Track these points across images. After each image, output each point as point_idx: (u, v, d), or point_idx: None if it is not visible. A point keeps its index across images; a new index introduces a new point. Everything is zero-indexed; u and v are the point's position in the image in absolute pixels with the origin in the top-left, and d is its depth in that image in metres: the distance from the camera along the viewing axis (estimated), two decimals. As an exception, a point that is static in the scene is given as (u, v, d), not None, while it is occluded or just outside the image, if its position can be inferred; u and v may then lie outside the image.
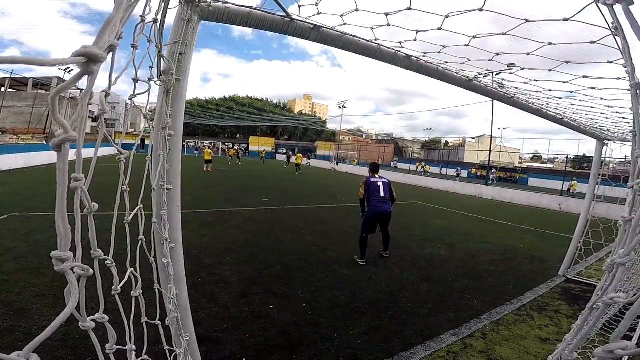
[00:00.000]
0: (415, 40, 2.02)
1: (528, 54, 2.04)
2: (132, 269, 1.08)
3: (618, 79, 2.16)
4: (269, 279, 4.15)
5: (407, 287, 4.22)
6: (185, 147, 40.00)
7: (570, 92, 2.78)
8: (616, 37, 1.21)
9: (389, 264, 5.10)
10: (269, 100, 64.37)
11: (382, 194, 5.13)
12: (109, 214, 0.93)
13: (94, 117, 27.25)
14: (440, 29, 1.82)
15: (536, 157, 56.97)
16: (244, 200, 10.06)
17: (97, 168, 0.65)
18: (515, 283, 4.67)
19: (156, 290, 1.46)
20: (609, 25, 1.32)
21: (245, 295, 3.63)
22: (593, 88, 2.50)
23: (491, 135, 29.87)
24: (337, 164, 34.99)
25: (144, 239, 1.24)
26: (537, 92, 2.97)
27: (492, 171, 33.69)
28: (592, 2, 1.28)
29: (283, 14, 1.73)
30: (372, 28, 1.93)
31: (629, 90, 1.15)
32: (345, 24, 1.88)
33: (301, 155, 27.87)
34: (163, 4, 1.31)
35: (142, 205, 1.17)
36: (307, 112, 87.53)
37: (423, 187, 21.63)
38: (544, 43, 1.87)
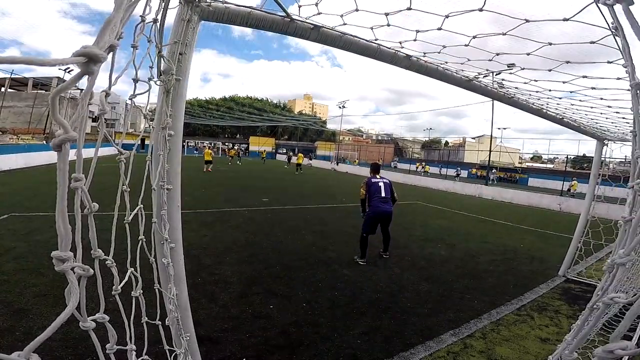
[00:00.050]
0: (415, 40, 2.02)
1: (528, 54, 2.04)
2: (133, 269, 1.08)
3: (618, 79, 2.16)
4: (269, 279, 4.15)
5: (407, 287, 4.22)
6: (185, 147, 39.99)
7: (570, 92, 2.79)
8: (616, 37, 1.21)
9: (389, 264, 5.10)
10: (269, 100, 64.38)
11: (383, 194, 5.15)
12: (109, 214, 0.93)
13: (94, 117, 27.24)
14: (440, 29, 1.82)
15: (536, 157, 56.99)
16: (244, 200, 10.06)
17: (97, 168, 0.65)
18: (515, 283, 4.67)
19: (156, 290, 1.46)
20: (609, 25, 1.32)
21: (245, 295, 3.63)
22: (593, 88, 2.50)
23: (491, 135, 29.88)
24: (337, 164, 34.98)
25: (144, 239, 1.24)
26: (537, 92, 2.97)
27: (493, 171, 33.69)
28: (592, 2, 1.28)
29: (283, 14, 1.73)
30: (372, 28, 1.93)
31: (629, 90, 1.15)
32: (345, 24, 1.88)
33: (302, 155, 27.68)
34: (163, 4, 1.31)
35: (142, 205, 1.17)
36: (307, 112, 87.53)
37: (423, 187, 21.63)
38: (544, 43, 1.87)
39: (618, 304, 0.81)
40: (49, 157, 16.87)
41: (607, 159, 5.62)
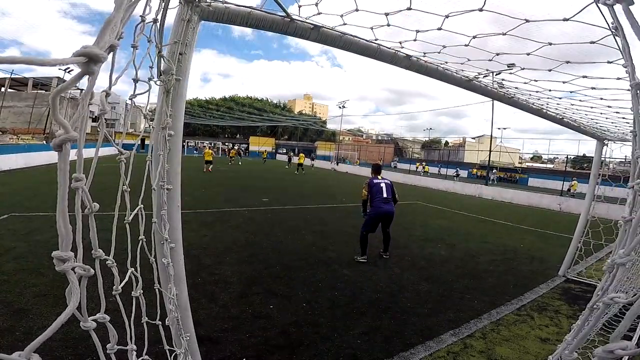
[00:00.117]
0: (415, 40, 2.02)
1: (528, 54, 2.04)
2: (133, 269, 1.08)
3: (618, 79, 2.16)
4: (269, 279, 4.15)
5: (407, 287, 4.22)
6: (185, 147, 39.98)
7: (570, 92, 2.79)
8: (616, 37, 1.21)
9: (389, 264, 5.10)
10: (269, 100, 64.39)
11: (385, 194, 5.20)
12: (109, 214, 0.93)
13: (94, 117, 27.24)
14: (440, 29, 1.82)
15: (536, 157, 57.00)
16: (244, 200, 10.06)
17: (97, 168, 0.66)
18: (515, 283, 4.67)
19: (156, 290, 1.46)
20: (609, 25, 1.32)
21: (245, 295, 3.63)
22: (593, 88, 2.50)
23: (491, 135, 29.88)
24: (337, 164, 34.98)
25: (144, 239, 1.24)
26: (537, 92, 2.97)
27: (493, 171, 33.69)
28: (592, 2, 1.28)
29: (283, 14, 1.73)
30: (372, 28, 1.93)
31: (629, 90, 1.15)
32: (345, 24, 1.88)
33: (303, 155, 27.20)
34: (163, 4, 1.31)
35: (142, 205, 1.17)
36: (307, 112, 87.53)
37: (423, 187, 21.63)
38: (544, 43, 1.87)
39: (618, 304, 0.81)
40: (49, 157, 16.87)
41: (607, 159, 5.62)
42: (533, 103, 3.58)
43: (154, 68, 1.34)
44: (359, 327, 3.15)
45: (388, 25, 1.85)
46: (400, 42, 2.11)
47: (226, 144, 50.13)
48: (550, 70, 2.25)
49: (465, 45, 2.02)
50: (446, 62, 2.46)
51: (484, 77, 2.75)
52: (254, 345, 2.72)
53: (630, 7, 0.86)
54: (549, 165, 50.36)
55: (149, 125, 1.53)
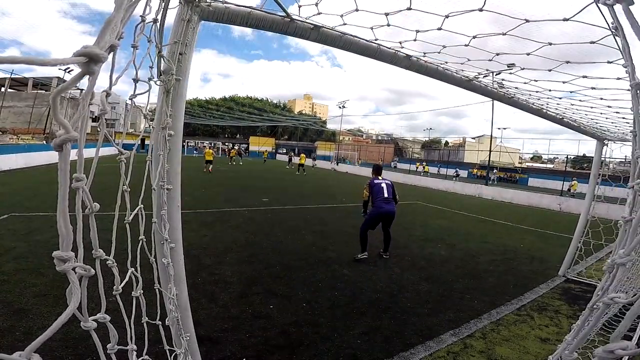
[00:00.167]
0: (415, 40, 2.02)
1: (528, 54, 2.04)
2: (133, 269, 1.09)
3: (618, 79, 2.16)
4: (269, 279, 4.15)
5: (407, 287, 4.22)
6: (185, 147, 39.96)
7: (570, 92, 2.79)
8: (616, 37, 1.21)
9: (389, 264, 5.10)
10: (269, 100, 64.39)
11: (386, 194, 5.25)
12: (109, 214, 0.93)
13: (94, 117, 27.24)
14: (440, 29, 1.82)
15: (536, 157, 57.00)
16: (244, 200, 10.06)
17: (98, 168, 0.66)
18: (515, 283, 4.67)
19: (156, 290, 1.46)
20: (609, 25, 1.32)
21: (245, 295, 3.63)
22: (593, 88, 2.50)
23: (491, 135, 29.87)
24: (337, 164, 34.96)
25: (144, 239, 1.24)
26: (537, 92, 2.97)
27: (494, 171, 33.69)
28: (592, 2, 1.28)
29: (283, 14, 1.73)
30: (372, 28, 1.93)
31: (629, 90, 1.15)
32: (345, 24, 1.88)
33: (304, 156, 26.70)
34: (163, 4, 1.31)
35: (142, 205, 1.17)
36: (307, 112, 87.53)
37: (423, 187, 21.63)
38: (544, 43, 1.87)
39: (618, 304, 0.81)
40: (49, 157, 16.87)
41: (607, 159, 5.62)
42: (533, 103, 3.58)
43: (154, 68, 1.34)
44: (359, 327, 3.15)
45: (388, 25, 1.85)
46: (400, 42, 2.11)
47: (226, 144, 50.12)
48: (550, 70, 2.25)
49: (465, 45, 2.02)
50: (446, 62, 2.46)
51: (484, 77, 2.75)
52: (254, 345, 2.72)
53: (630, 7, 0.86)
54: (549, 165, 50.38)
55: (149, 125, 1.53)
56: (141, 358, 1.19)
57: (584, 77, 2.31)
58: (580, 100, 3.00)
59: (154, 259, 1.48)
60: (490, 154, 27.83)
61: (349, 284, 4.19)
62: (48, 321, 2.74)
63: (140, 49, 1.03)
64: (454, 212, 11.36)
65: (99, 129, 0.77)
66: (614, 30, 1.20)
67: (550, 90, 2.88)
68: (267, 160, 35.41)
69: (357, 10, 1.72)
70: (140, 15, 1.02)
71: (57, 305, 3.00)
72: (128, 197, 1.04)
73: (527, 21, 1.65)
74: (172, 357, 1.58)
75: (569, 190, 21.10)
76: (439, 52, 2.18)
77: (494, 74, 2.63)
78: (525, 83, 2.66)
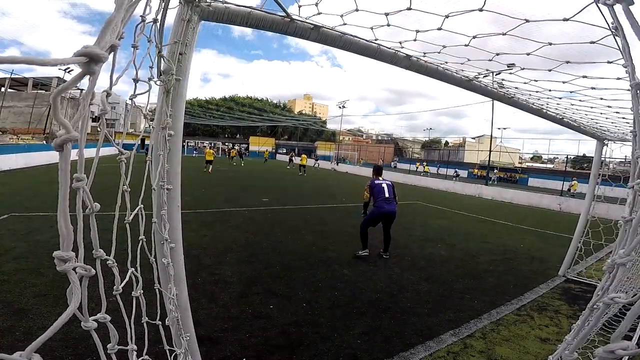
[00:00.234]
0: (415, 40, 2.02)
1: (528, 54, 2.04)
2: (133, 269, 1.09)
3: (618, 79, 2.16)
4: (269, 279, 4.15)
5: (407, 287, 4.22)
6: (185, 147, 39.93)
7: (570, 92, 2.79)
8: (616, 37, 1.21)
9: (389, 264, 5.10)
10: (269, 100, 64.39)
11: (386, 194, 5.30)
12: (109, 214, 0.93)
13: (94, 117, 27.24)
14: (440, 29, 1.82)
15: (536, 157, 57.01)
16: (244, 200, 10.06)
17: (98, 168, 0.66)
18: (515, 283, 4.67)
19: (156, 290, 1.46)
20: (609, 25, 1.32)
21: (245, 295, 3.63)
22: (593, 88, 2.50)
23: (491, 135, 29.88)
24: (337, 164, 34.96)
25: (144, 239, 1.24)
26: (537, 92, 2.97)
27: (494, 171, 33.69)
28: (592, 2, 1.28)
29: (283, 14, 1.73)
30: (372, 28, 1.93)
31: (629, 90, 1.15)
32: (345, 24, 1.88)
33: (305, 156, 26.03)
34: (163, 4, 1.31)
35: (142, 205, 1.17)
36: (307, 112, 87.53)
37: (423, 187, 21.63)
38: (544, 43, 1.87)
39: (618, 304, 0.81)
40: (49, 157, 16.87)
41: (607, 159, 5.62)
42: (533, 103, 3.58)
43: (154, 68, 1.34)
44: (359, 327, 3.15)
45: (388, 25, 1.85)
46: (400, 42, 2.11)
47: (226, 144, 50.11)
48: (550, 70, 2.25)
49: (465, 45, 2.02)
50: (446, 62, 2.46)
51: (484, 77, 2.75)
52: (254, 345, 2.72)
53: (630, 7, 0.86)
54: (549, 165, 50.39)
55: (149, 125, 1.53)
56: (141, 358, 1.19)
57: (584, 77, 2.31)
58: (580, 100, 3.00)
59: (154, 259, 1.48)
60: (490, 154, 27.83)
61: (349, 284, 4.19)
62: (48, 321, 2.74)
63: (140, 49, 1.03)
64: (454, 212, 11.36)
65: (99, 129, 0.77)
66: (614, 30, 1.20)
67: (550, 90, 2.88)
68: (267, 160, 35.24)
69: (357, 10, 1.72)
70: (141, 15, 1.02)
71: (57, 305, 3.00)
72: (128, 197, 1.04)
73: (527, 21, 1.65)
74: (172, 357, 1.58)
75: (569, 190, 21.11)
76: (439, 52, 2.18)
77: (494, 74, 2.63)
78: (525, 83, 2.66)
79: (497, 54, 2.13)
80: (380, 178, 5.56)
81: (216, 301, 3.44)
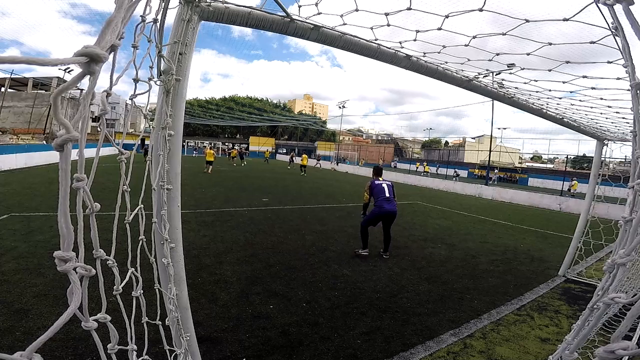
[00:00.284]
0: (415, 40, 2.02)
1: (528, 54, 2.04)
2: (133, 269, 1.09)
3: (618, 79, 2.16)
4: (269, 279, 4.15)
5: (407, 287, 4.22)
6: (185, 147, 39.90)
7: (570, 92, 2.79)
8: (616, 37, 1.21)
9: (389, 264, 5.10)
10: (269, 100, 64.37)
11: (387, 194, 5.33)
12: (109, 214, 0.93)
13: (94, 117, 27.24)
14: (440, 29, 1.82)
15: (536, 157, 57.04)
16: (244, 200, 10.06)
17: (98, 168, 0.66)
18: (515, 283, 4.67)
19: (156, 290, 1.46)
20: (609, 25, 1.32)
21: (245, 295, 3.63)
22: (593, 88, 2.50)
23: (491, 135, 29.83)
24: (337, 164, 34.95)
25: (144, 239, 1.24)
26: (537, 92, 2.97)
27: (494, 171, 33.69)
28: (592, 2, 1.28)
29: (283, 14, 1.73)
30: (372, 28, 1.93)
31: (629, 90, 1.15)
32: (345, 24, 1.88)
33: (306, 156, 25.60)
34: (163, 4, 1.31)
35: (142, 205, 1.17)
36: (307, 112, 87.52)
37: (423, 187, 21.64)
38: (544, 43, 1.87)
39: (618, 304, 0.81)
40: (49, 157, 16.87)
41: (607, 159, 5.62)
42: (533, 103, 3.58)
43: (154, 68, 1.34)
44: (359, 327, 3.15)
45: (388, 25, 1.84)
46: (400, 42, 2.11)
47: (226, 144, 50.10)
48: (550, 70, 2.25)
49: (465, 45, 2.02)
50: (446, 62, 2.46)
51: (484, 77, 2.75)
52: (254, 345, 2.72)
53: (630, 7, 0.86)
54: (549, 165, 50.42)
55: (149, 125, 1.53)
56: (141, 358, 1.19)
57: (584, 77, 2.31)
58: (580, 100, 3.00)
59: (154, 259, 1.48)
60: (490, 154, 27.83)
61: (349, 284, 4.19)
62: (48, 321, 2.74)
63: (140, 49, 1.03)
64: (454, 212, 11.36)
65: (99, 129, 0.77)
66: (614, 30, 1.20)
67: (550, 90, 2.88)
68: (268, 160, 35.15)
69: (357, 10, 1.72)
70: (141, 15, 1.02)
71: (57, 305, 3.00)
72: (128, 197, 1.04)
73: (527, 21, 1.65)
74: (172, 357, 1.58)
75: (569, 190, 21.11)
76: (439, 52, 2.18)
77: (494, 74, 2.63)
78: (525, 83, 2.66)
79: (497, 54, 2.13)
80: (380, 178, 5.59)
81: (216, 301, 3.44)
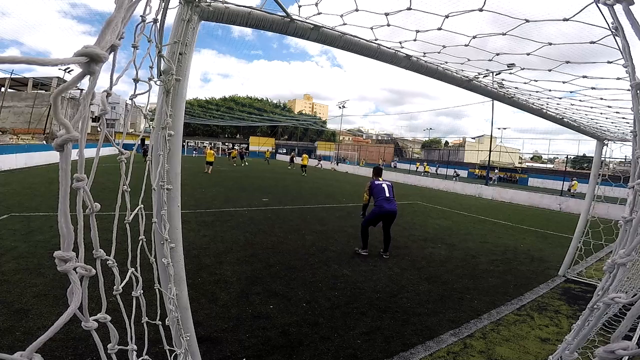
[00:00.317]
0: (415, 40, 2.02)
1: (528, 54, 2.04)
2: (133, 269, 1.09)
3: (618, 79, 2.16)
4: (269, 279, 4.15)
5: (407, 287, 4.22)
6: (185, 147, 39.88)
7: (570, 92, 2.79)
8: (616, 37, 1.21)
9: (389, 264, 5.10)
10: (269, 100, 64.36)
11: (387, 194, 5.34)
12: (109, 214, 0.93)
13: (94, 117, 27.24)
14: (440, 29, 1.82)
15: (536, 157, 57.05)
16: (244, 200, 10.06)
17: (98, 168, 0.66)
18: (515, 283, 4.67)
19: (156, 290, 1.46)
20: (609, 25, 1.32)
21: (245, 295, 3.63)
22: (593, 88, 2.50)
23: (491, 135, 29.83)
24: (337, 164, 34.95)
25: (144, 239, 1.24)
26: (537, 92, 2.97)
27: (495, 171, 33.69)
28: (592, 2, 1.28)
29: (283, 14, 1.73)
30: (372, 28, 1.93)
31: (629, 90, 1.15)
32: (345, 24, 1.88)
33: (307, 156, 25.48)
34: (163, 4, 1.31)
35: (142, 205, 1.17)
36: (307, 112, 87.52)
37: (423, 187, 21.63)
38: (544, 43, 1.87)
39: (618, 304, 0.81)
40: (49, 157, 16.87)
41: (607, 159, 5.62)
42: (533, 103, 3.58)
43: (154, 68, 1.34)
44: (359, 327, 3.15)
45: (388, 25, 1.84)
46: (400, 42, 2.11)
47: (226, 144, 50.10)
48: (550, 70, 2.25)
49: (465, 45, 2.02)
50: (446, 62, 2.46)
51: (484, 77, 2.75)
52: (254, 345, 2.72)
53: (630, 7, 0.86)
54: (549, 165, 50.43)
55: (149, 125, 1.53)
56: (141, 358, 1.19)
57: (584, 77, 2.31)
58: (580, 100, 3.00)
59: (154, 259, 1.48)
60: (490, 154, 27.83)
61: (349, 284, 4.19)
62: (48, 321, 2.74)
63: (140, 49, 1.03)
64: (454, 212, 11.36)
65: (99, 129, 0.77)
66: (614, 30, 1.20)
67: (550, 90, 2.88)
68: (269, 160, 35.12)
69: (357, 10, 1.72)
70: (141, 15, 1.02)
71: (57, 305, 3.00)
72: (128, 197, 1.04)
73: (527, 21, 1.65)
74: (172, 357, 1.58)
75: (569, 190, 21.11)
76: (439, 52, 2.18)
77: (494, 74, 2.63)
78: (525, 83, 2.66)
79: (497, 54, 2.13)
80: (380, 179, 5.61)
81: (216, 301, 3.44)
